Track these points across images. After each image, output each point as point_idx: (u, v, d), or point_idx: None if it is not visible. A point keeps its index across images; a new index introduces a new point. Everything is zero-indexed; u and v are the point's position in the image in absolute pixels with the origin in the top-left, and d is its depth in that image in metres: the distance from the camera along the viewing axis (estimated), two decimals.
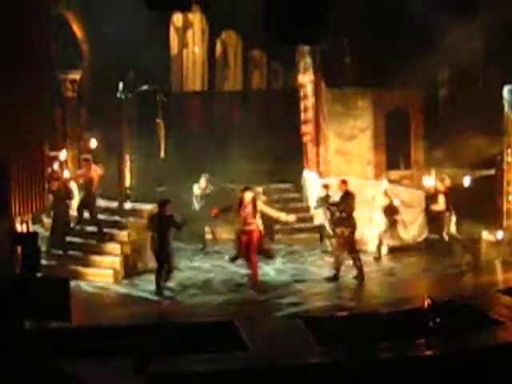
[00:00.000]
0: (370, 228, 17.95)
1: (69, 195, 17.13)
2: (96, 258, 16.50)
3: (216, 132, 21.71)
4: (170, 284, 15.34)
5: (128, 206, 18.07)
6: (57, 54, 18.53)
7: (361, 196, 17.70)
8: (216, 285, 15.69)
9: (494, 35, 18.07)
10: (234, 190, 18.92)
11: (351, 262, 15.90)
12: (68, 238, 16.84)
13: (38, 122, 15.12)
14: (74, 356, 10.88)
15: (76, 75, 20.18)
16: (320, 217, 18.56)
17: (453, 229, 17.62)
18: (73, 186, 17.58)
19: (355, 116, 19.46)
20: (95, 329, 12.56)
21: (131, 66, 19.36)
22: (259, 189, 16.17)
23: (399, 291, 15.30)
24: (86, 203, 17.28)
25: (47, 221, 17.55)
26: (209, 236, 18.85)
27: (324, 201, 17.61)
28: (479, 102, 18.59)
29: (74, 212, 17.34)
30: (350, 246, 15.75)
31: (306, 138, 21.08)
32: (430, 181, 18.06)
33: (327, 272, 16.12)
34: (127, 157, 18.73)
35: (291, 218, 16.08)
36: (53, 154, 17.86)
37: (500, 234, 17.00)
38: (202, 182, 18.45)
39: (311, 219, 19.53)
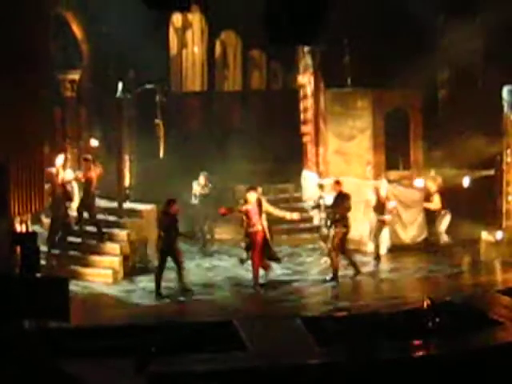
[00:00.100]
0: (369, 228, 17.97)
1: (68, 197, 17.12)
2: (95, 258, 16.50)
3: (215, 132, 21.70)
4: (170, 284, 15.34)
5: (127, 206, 18.06)
6: (56, 54, 18.54)
7: (360, 196, 17.77)
8: (215, 285, 15.68)
9: (494, 36, 18.08)
10: (233, 190, 18.96)
11: (346, 262, 15.96)
12: (68, 238, 16.84)
13: (38, 122, 15.11)
14: (74, 356, 10.88)
15: (75, 75, 20.17)
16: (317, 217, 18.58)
17: (443, 227, 17.66)
18: (74, 185, 17.60)
19: (354, 116, 19.45)
20: (95, 329, 12.56)
21: (131, 66, 19.36)
22: (259, 189, 16.16)
23: (399, 291, 15.31)
24: (86, 203, 17.28)
25: (46, 221, 17.54)
26: (208, 236, 18.83)
27: (318, 201, 17.65)
28: (479, 102, 18.59)
29: (73, 212, 17.33)
30: (342, 246, 15.79)
31: (306, 139, 21.08)
32: (419, 182, 18.07)
33: (326, 272, 16.11)
34: (126, 157, 18.72)
35: (295, 216, 16.25)
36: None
37: (499, 235, 17.01)
38: (201, 179, 18.45)
39: (311, 219, 19.52)
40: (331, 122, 19.68)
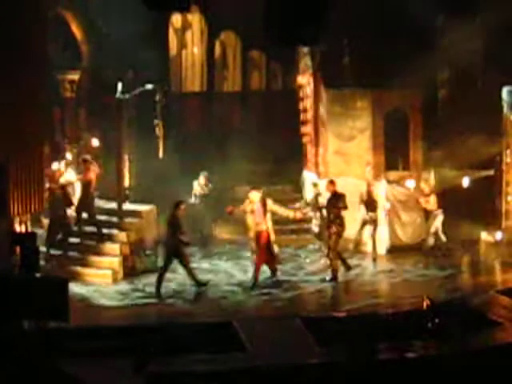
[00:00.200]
0: (368, 229, 17.96)
1: (68, 198, 17.13)
2: (95, 259, 16.50)
3: (215, 133, 21.69)
4: (170, 284, 15.34)
5: (127, 206, 18.06)
6: (56, 55, 18.53)
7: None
8: (215, 285, 15.67)
9: (494, 36, 18.09)
10: (233, 190, 18.95)
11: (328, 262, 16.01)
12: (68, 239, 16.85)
13: (37, 122, 15.11)
14: (74, 356, 10.88)
15: (74, 75, 20.19)
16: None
17: (435, 228, 17.66)
18: (77, 185, 17.63)
19: (354, 117, 19.44)
20: (94, 329, 12.56)
21: (130, 66, 19.35)
22: (262, 189, 16.21)
23: (398, 292, 15.31)
24: (85, 204, 17.28)
25: (46, 221, 17.54)
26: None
27: (314, 201, 17.69)
28: (478, 102, 18.60)
29: (72, 213, 17.33)
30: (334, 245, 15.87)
31: (305, 139, 21.08)
32: (411, 183, 18.08)
33: (326, 272, 16.11)
34: (126, 157, 18.72)
35: (299, 214, 16.47)
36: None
37: (499, 235, 17.02)
38: (202, 179, 18.45)
39: (310, 220, 19.50)
40: (331, 123, 19.67)
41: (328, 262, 16.13)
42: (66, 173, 17.62)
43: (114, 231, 17.13)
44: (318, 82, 20.12)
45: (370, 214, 17.52)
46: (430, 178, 18.36)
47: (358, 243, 17.74)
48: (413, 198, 18.25)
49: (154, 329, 12.43)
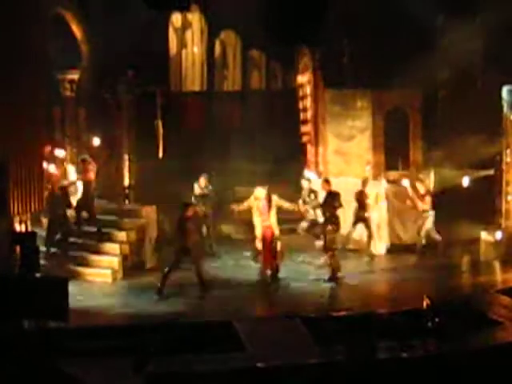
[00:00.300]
0: (360, 227, 17.96)
1: (67, 198, 17.13)
2: (95, 258, 16.51)
3: (215, 132, 21.68)
4: (171, 284, 15.35)
5: (127, 206, 18.05)
6: (56, 54, 18.53)
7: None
8: (215, 285, 15.67)
9: (494, 36, 18.08)
10: (233, 191, 18.96)
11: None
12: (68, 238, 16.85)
13: (37, 121, 15.12)
14: (74, 356, 10.88)
15: (74, 75, 20.17)
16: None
17: (424, 229, 17.67)
18: (78, 184, 17.66)
19: (354, 116, 19.45)
20: (94, 329, 12.56)
21: (130, 66, 19.33)
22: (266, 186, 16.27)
23: (398, 291, 15.32)
24: (85, 203, 17.29)
25: (46, 221, 17.54)
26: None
27: (306, 195, 17.77)
28: (478, 102, 18.60)
29: (72, 212, 17.34)
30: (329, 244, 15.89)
31: (305, 138, 21.08)
32: (406, 182, 18.08)
33: (325, 272, 16.11)
34: (126, 157, 18.72)
35: (303, 208, 16.76)
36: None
37: (499, 235, 17.01)
38: (202, 181, 18.45)
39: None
40: (331, 122, 19.68)
41: (326, 261, 16.13)
42: (68, 173, 17.63)
43: (114, 231, 17.13)
44: (318, 82, 20.12)
45: (360, 212, 17.56)
46: (426, 178, 18.37)
47: (347, 240, 17.74)
48: (410, 197, 18.28)
49: (154, 329, 12.42)
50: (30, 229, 14.77)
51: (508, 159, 17.18)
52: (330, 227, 15.88)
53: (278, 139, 20.51)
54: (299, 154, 20.99)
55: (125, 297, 15.14)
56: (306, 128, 20.97)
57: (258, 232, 15.70)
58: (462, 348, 11.63)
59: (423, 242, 17.82)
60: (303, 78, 21.14)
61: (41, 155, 15.42)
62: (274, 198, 15.77)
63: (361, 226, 17.80)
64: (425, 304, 12.42)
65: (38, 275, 12.16)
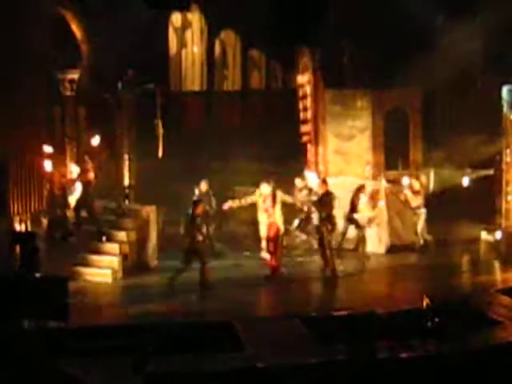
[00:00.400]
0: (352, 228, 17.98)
1: (65, 199, 17.15)
2: (94, 258, 16.50)
3: (215, 132, 21.70)
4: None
5: (127, 206, 18.06)
6: (56, 54, 18.54)
7: None
8: (215, 285, 15.67)
9: (493, 36, 18.10)
10: (233, 191, 18.96)
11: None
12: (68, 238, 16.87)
13: (37, 121, 15.12)
14: (74, 356, 10.88)
15: (74, 75, 20.17)
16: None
17: (420, 227, 17.71)
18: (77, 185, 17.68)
19: (354, 116, 19.48)
20: (94, 329, 12.55)
21: (130, 65, 19.35)
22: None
23: (398, 291, 15.32)
24: (85, 203, 17.29)
25: (45, 221, 17.54)
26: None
27: (307, 200, 17.81)
28: (478, 102, 18.62)
29: (72, 212, 17.36)
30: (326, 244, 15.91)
31: (305, 138, 21.10)
32: (405, 180, 18.12)
33: (324, 272, 16.12)
34: (126, 156, 18.72)
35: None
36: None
37: (498, 234, 17.01)
38: (203, 185, 18.40)
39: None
40: (331, 122, 19.71)
41: (325, 261, 16.16)
42: (70, 168, 17.63)
43: (114, 230, 17.13)
44: (318, 82, 20.14)
45: (350, 214, 17.60)
46: (423, 176, 18.39)
47: (342, 239, 17.78)
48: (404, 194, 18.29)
49: (154, 329, 12.42)
50: (29, 229, 14.78)
51: (508, 159, 17.17)
52: (325, 227, 15.88)
53: (278, 139, 20.54)
54: (299, 154, 21.01)
55: (125, 297, 15.14)
56: (306, 128, 20.98)
57: (263, 230, 15.73)
58: (461, 348, 11.62)
59: (421, 241, 17.83)
60: (303, 78, 21.16)
61: (41, 155, 15.42)
62: (279, 193, 15.84)
63: (352, 227, 17.85)
64: (425, 304, 12.42)
65: (37, 275, 12.14)
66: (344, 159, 19.48)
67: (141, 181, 19.31)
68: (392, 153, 19.43)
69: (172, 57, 22.59)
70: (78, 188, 17.72)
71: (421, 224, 17.74)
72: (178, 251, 15.63)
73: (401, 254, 17.82)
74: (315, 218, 17.06)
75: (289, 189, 20.29)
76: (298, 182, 18.42)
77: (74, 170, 17.98)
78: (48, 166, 17.13)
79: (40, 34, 15.02)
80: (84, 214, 17.45)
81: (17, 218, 14.35)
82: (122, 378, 10.32)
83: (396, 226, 18.28)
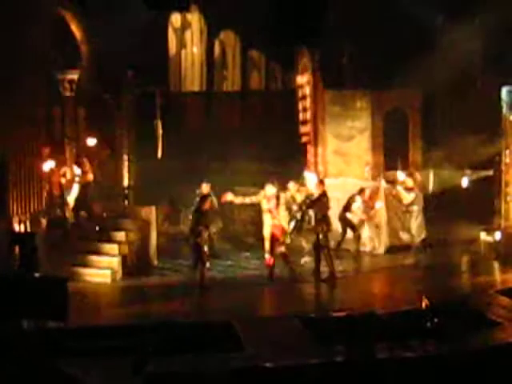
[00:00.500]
0: (366, 229, 18.00)
1: (63, 199, 17.17)
2: (94, 258, 16.51)
3: (214, 132, 21.70)
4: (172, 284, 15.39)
5: (126, 206, 18.06)
6: (56, 54, 18.54)
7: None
8: (215, 285, 15.68)
9: (493, 36, 18.12)
10: (233, 190, 18.95)
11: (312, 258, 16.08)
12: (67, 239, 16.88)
13: (37, 121, 15.14)
14: (73, 356, 10.88)
15: (74, 75, 20.17)
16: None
17: (414, 225, 17.72)
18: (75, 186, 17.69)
19: (353, 117, 19.50)
20: (94, 329, 12.56)
21: (130, 66, 19.37)
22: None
23: (397, 291, 15.32)
24: (84, 204, 17.30)
25: (44, 221, 17.54)
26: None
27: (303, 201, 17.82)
28: (478, 102, 18.63)
29: (71, 213, 17.36)
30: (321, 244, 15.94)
31: (305, 139, 21.11)
32: (401, 175, 18.14)
33: (324, 272, 16.13)
34: (126, 157, 18.73)
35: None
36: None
37: (498, 235, 17.02)
38: (204, 187, 18.37)
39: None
40: (330, 123, 19.73)
41: (318, 263, 16.17)
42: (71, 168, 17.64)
43: (114, 231, 17.13)
44: (318, 82, 20.16)
45: (342, 214, 17.62)
46: (417, 175, 18.41)
47: (342, 239, 17.81)
48: (413, 199, 18.30)
49: (154, 329, 12.42)
50: (29, 229, 14.79)
51: (507, 160, 17.19)
52: (321, 227, 15.88)
53: (278, 139, 20.56)
54: (299, 155, 21.03)
55: (124, 297, 15.14)
56: (306, 128, 21.00)
57: (267, 232, 15.73)
58: (461, 348, 11.63)
59: (416, 239, 17.84)
60: (303, 79, 21.17)
61: (40, 155, 15.43)
62: (282, 194, 15.85)
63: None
64: (424, 304, 12.42)
65: (37, 275, 12.15)
66: (343, 160, 19.49)
67: (140, 181, 19.31)
68: (391, 153, 19.43)
69: (171, 57, 22.59)
70: (75, 188, 17.72)
71: (414, 222, 17.75)
72: (177, 251, 15.64)
73: (400, 254, 17.83)
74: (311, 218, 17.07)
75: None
76: (291, 185, 18.37)
77: (76, 171, 17.99)
78: (47, 166, 17.15)
79: (40, 34, 15.04)
80: (83, 214, 17.44)
81: (16, 219, 14.36)
82: (121, 379, 10.32)
83: (395, 226, 18.29)
